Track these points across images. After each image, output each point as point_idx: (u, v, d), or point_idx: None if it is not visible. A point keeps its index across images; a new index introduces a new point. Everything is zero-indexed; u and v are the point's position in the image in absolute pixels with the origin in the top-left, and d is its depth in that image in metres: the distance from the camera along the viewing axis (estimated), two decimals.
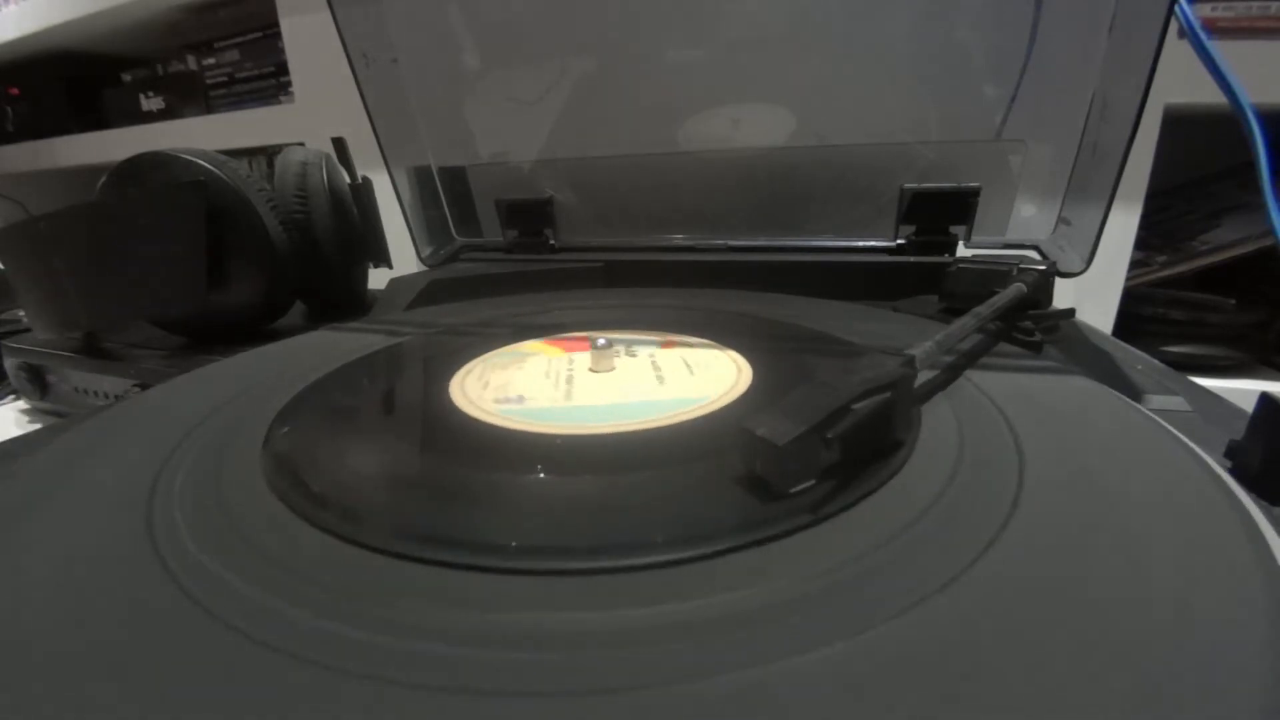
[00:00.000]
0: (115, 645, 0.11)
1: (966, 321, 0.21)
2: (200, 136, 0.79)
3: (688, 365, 0.23)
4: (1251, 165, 0.28)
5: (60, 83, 0.99)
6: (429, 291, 0.40)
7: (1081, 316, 0.32)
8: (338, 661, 0.10)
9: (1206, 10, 0.45)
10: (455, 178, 0.48)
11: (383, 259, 0.45)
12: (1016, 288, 0.26)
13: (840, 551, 0.13)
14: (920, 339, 0.19)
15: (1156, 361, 0.29)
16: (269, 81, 0.80)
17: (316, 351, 0.28)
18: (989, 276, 0.30)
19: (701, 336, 0.26)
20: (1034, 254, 0.38)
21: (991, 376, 0.21)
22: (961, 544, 0.12)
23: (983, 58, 0.37)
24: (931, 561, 0.12)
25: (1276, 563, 0.12)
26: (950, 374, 0.21)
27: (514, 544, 0.13)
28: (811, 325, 0.29)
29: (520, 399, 0.21)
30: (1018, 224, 0.39)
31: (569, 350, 0.26)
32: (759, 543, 0.13)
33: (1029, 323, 0.27)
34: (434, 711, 0.09)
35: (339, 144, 0.42)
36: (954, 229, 0.38)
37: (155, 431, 0.20)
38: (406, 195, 0.47)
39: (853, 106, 0.40)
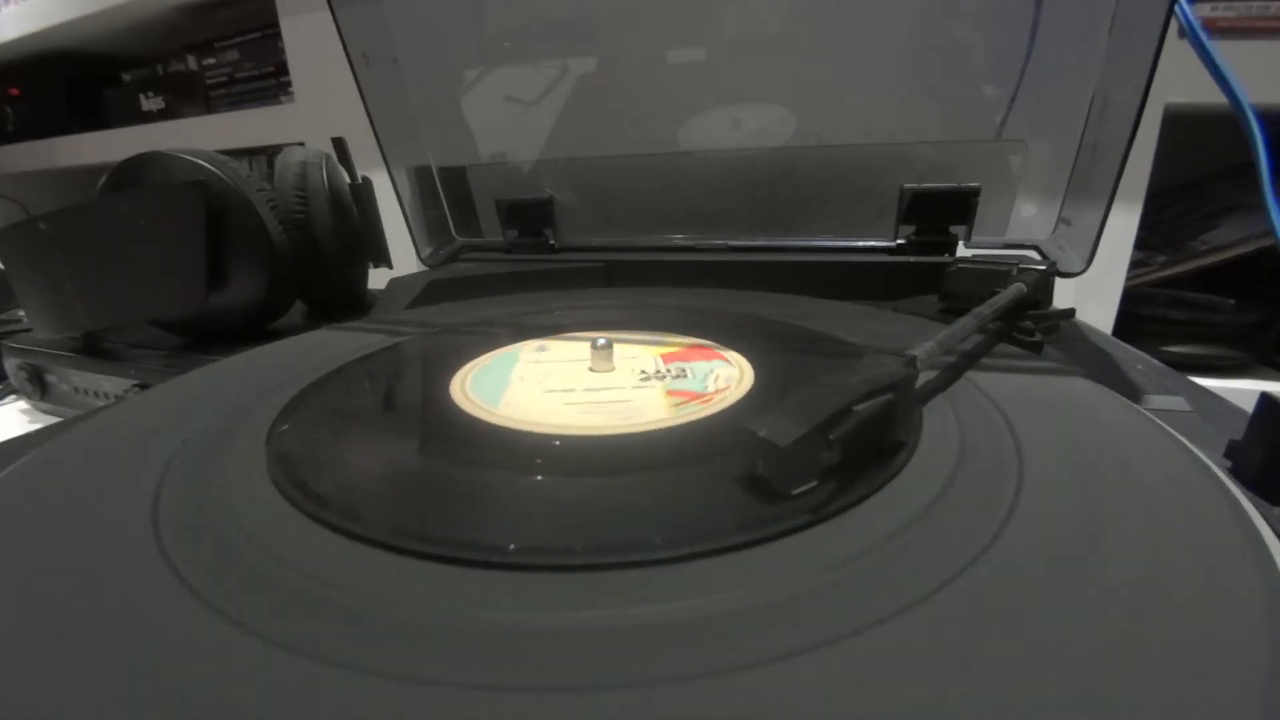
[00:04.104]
0: (120, 644, 0.11)
1: (967, 322, 0.21)
2: (200, 136, 0.79)
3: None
4: (1251, 165, 0.28)
5: (60, 83, 0.99)
6: (429, 291, 0.40)
7: (1081, 316, 0.32)
8: (339, 657, 0.10)
9: (1206, 10, 0.45)
10: (455, 178, 0.48)
11: (383, 259, 0.45)
12: (1016, 288, 0.26)
13: (841, 552, 0.13)
14: (921, 339, 0.19)
15: (1156, 361, 0.29)
16: (269, 81, 0.80)
17: (316, 351, 0.28)
18: (989, 276, 0.30)
19: (702, 337, 0.26)
20: (1034, 254, 0.38)
21: (992, 377, 0.21)
22: (961, 545, 0.12)
23: (983, 58, 0.37)
24: (932, 562, 0.12)
25: (1276, 563, 0.12)
26: (951, 374, 0.21)
27: (512, 546, 0.13)
28: (812, 325, 0.29)
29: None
30: (1018, 224, 0.39)
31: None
32: (761, 543, 0.13)
33: (1029, 323, 0.27)
34: (432, 708, 0.09)
35: (339, 144, 0.42)
36: (954, 229, 0.38)
37: (157, 432, 0.20)
38: (406, 195, 0.47)
39: (853, 106, 0.40)
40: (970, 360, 0.23)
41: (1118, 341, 0.32)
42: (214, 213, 0.35)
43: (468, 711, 0.09)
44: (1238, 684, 0.09)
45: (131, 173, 0.37)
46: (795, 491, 0.14)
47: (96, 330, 0.38)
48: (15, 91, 1.02)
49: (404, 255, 0.47)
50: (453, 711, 0.09)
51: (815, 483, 0.14)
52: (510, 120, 0.46)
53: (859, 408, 0.15)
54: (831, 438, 0.14)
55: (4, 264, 0.39)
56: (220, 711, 0.09)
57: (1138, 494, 0.14)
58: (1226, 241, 0.51)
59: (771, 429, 0.14)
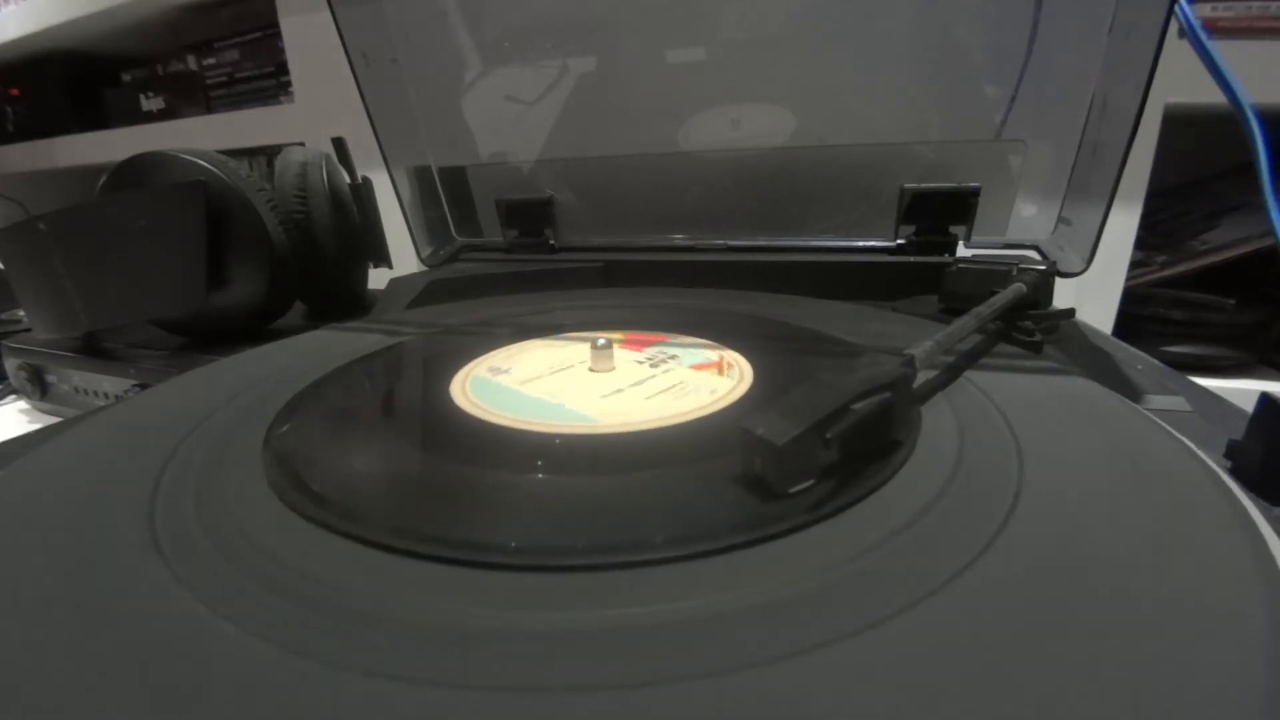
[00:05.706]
0: (116, 644, 0.11)
1: (966, 321, 0.21)
2: (200, 136, 0.79)
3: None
4: (1251, 165, 0.28)
5: (60, 83, 0.99)
6: (429, 291, 0.40)
7: (1081, 316, 0.32)
8: (334, 657, 0.10)
9: (1206, 10, 0.45)
10: (455, 178, 0.48)
11: (383, 259, 0.45)
12: (1016, 288, 0.26)
13: (838, 552, 0.13)
14: (920, 339, 0.19)
15: (1156, 361, 0.29)
16: (269, 81, 0.80)
17: (316, 351, 0.28)
18: (989, 276, 0.30)
19: (701, 336, 0.26)
20: (1034, 254, 0.38)
21: (991, 377, 0.21)
22: (960, 545, 0.12)
23: (983, 57, 0.37)
24: (930, 563, 0.12)
25: (1276, 563, 0.12)
26: (950, 374, 0.21)
27: (513, 544, 0.13)
28: (811, 325, 0.29)
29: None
30: (1018, 224, 0.39)
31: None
32: (759, 542, 0.13)
33: (1029, 323, 0.27)
34: (431, 708, 0.09)
35: (339, 144, 0.42)
36: (954, 229, 0.38)
37: (156, 431, 0.20)
38: (406, 195, 0.47)
39: (853, 106, 0.40)
40: (970, 360, 0.23)
41: (1118, 341, 0.32)
42: (214, 213, 0.35)
43: (465, 713, 0.09)
44: (1239, 686, 0.09)
45: (131, 173, 0.37)
46: (792, 490, 0.14)
47: (96, 330, 0.38)
48: (15, 91, 1.02)
49: (404, 255, 0.47)
50: (450, 712, 0.09)
51: (813, 481, 0.14)
52: (510, 120, 0.46)
53: (856, 406, 0.15)
54: (828, 436, 0.14)
55: (4, 264, 0.39)
56: (215, 711, 0.09)
57: (1138, 494, 0.14)
58: (1226, 241, 0.51)
59: (769, 427, 0.14)
